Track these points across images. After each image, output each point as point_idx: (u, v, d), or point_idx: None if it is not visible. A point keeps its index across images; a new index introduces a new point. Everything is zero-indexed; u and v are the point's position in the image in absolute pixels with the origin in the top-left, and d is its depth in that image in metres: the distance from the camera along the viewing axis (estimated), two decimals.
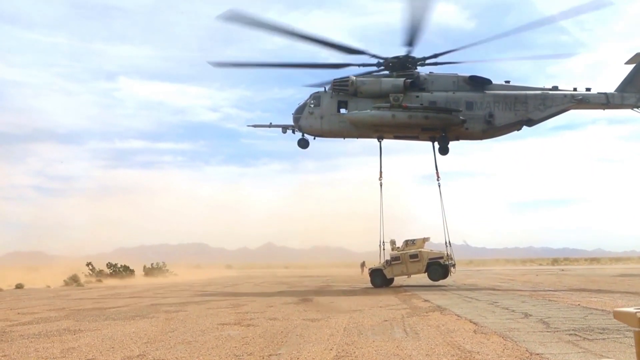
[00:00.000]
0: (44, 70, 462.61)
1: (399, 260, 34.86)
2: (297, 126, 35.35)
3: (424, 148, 36.61)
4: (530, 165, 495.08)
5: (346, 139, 35.90)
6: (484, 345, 11.30)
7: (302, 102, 35.22)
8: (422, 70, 34.51)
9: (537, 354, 10.08)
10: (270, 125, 37.78)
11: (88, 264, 59.20)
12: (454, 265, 35.56)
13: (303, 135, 35.57)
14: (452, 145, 34.82)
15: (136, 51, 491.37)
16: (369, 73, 34.53)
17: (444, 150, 34.69)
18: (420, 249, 35.14)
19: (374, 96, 33.73)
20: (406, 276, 36.52)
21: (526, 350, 10.47)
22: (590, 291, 27.98)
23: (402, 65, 33.68)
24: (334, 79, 34.58)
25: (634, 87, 33.20)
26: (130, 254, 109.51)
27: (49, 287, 46.57)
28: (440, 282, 35.92)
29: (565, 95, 33.71)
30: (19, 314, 20.84)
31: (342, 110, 34.41)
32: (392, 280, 36.13)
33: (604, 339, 11.62)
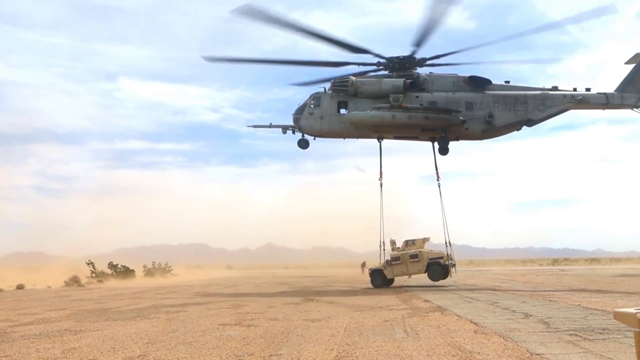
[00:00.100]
0: (44, 70, 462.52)
1: (399, 260, 34.88)
2: (297, 126, 35.36)
3: (424, 148, 36.69)
4: (531, 165, 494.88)
5: (346, 139, 35.95)
6: (484, 345, 11.31)
7: (302, 102, 35.26)
8: (422, 71, 34.54)
9: (538, 354, 10.10)
10: (271, 126, 37.81)
11: (89, 263, 59.22)
12: (454, 266, 35.56)
13: (303, 136, 35.58)
14: (452, 145, 34.85)
15: (136, 51, 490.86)
16: (364, 73, 34.45)
17: (444, 151, 34.72)
18: (420, 249, 35.15)
19: (373, 96, 33.75)
20: (407, 276, 36.55)
21: (527, 351, 10.48)
22: (590, 291, 27.99)
23: (404, 65, 33.68)
24: (334, 80, 34.57)
25: (634, 87, 33.20)
26: (130, 254, 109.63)
27: (49, 287, 46.60)
28: (441, 282, 35.94)
29: (565, 96, 33.72)
30: (19, 314, 20.87)
31: (342, 111, 34.42)
32: (392, 280, 36.14)
33: (604, 339, 11.64)
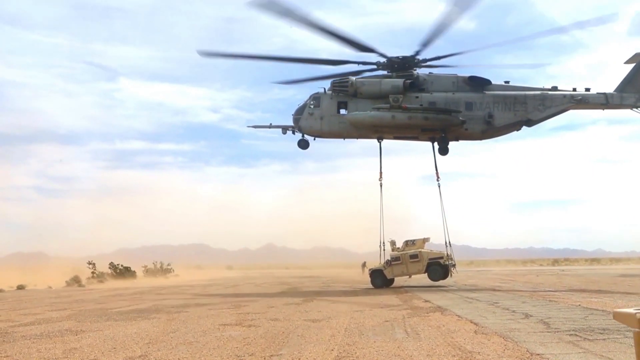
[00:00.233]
0: (45, 71, 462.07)
1: (399, 260, 34.90)
2: (297, 127, 35.38)
3: (424, 148, 36.68)
4: (531, 165, 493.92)
5: (346, 139, 35.98)
6: (484, 345, 11.34)
7: (302, 103, 35.28)
8: (422, 71, 34.55)
9: (538, 355, 10.11)
10: (271, 126, 37.84)
11: (90, 263, 59.27)
12: (454, 266, 35.59)
13: (303, 136, 35.60)
14: (452, 145, 34.88)
15: (136, 52, 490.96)
16: (358, 72, 34.39)
17: (443, 151, 34.76)
18: (420, 249, 35.18)
19: (373, 97, 33.77)
20: (407, 276, 36.55)
21: (527, 351, 10.50)
22: (590, 292, 28.01)
23: (405, 65, 33.68)
24: (333, 80, 34.58)
25: (633, 87, 33.22)
26: (131, 254, 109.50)
27: (50, 288, 46.65)
28: (441, 282, 35.96)
29: (564, 96, 33.74)
30: (20, 314, 20.90)
31: (342, 111, 34.44)
32: (392, 280, 36.15)
33: (604, 339, 11.66)
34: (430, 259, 34.82)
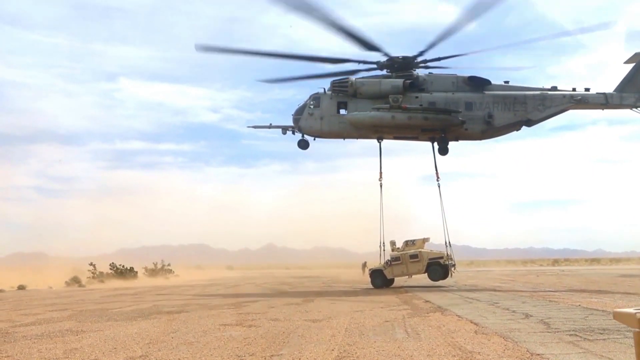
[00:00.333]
0: (45, 71, 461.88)
1: (399, 260, 34.92)
2: (297, 127, 35.41)
3: (424, 148, 36.70)
4: (531, 166, 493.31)
5: (346, 139, 36.00)
6: (484, 345, 11.35)
7: (302, 103, 35.29)
8: (421, 71, 34.55)
9: (538, 355, 10.13)
10: (271, 126, 37.85)
11: (90, 264, 59.29)
12: (454, 266, 35.62)
13: (303, 136, 35.63)
14: (452, 145, 34.91)
15: (136, 52, 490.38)
16: (355, 72, 34.32)
17: (443, 151, 34.78)
18: (420, 249, 35.20)
19: (373, 97, 33.79)
20: (407, 277, 36.55)
21: (527, 351, 10.52)
22: (590, 292, 28.03)
23: (406, 65, 33.65)
24: (333, 80, 34.59)
25: (633, 87, 33.25)
26: (131, 254, 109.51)
27: (50, 288, 46.67)
28: (441, 282, 35.97)
29: (564, 96, 33.77)
30: (21, 315, 20.91)
31: (342, 111, 34.46)
32: (392, 280, 36.17)
33: (604, 339, 11.67)
34: (430, 259, 34.83)
